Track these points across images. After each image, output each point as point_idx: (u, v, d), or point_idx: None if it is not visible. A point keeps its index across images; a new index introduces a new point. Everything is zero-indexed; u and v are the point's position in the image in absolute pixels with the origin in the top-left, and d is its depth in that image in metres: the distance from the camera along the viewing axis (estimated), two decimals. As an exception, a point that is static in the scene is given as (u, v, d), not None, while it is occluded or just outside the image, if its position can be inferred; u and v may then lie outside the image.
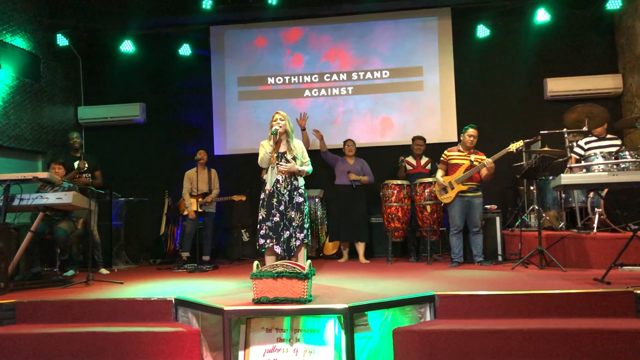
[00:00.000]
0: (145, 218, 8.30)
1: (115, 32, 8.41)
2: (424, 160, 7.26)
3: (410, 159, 7.28)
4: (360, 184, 6.97)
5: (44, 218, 5.31)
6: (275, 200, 4.69)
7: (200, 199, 6.90)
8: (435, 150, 7.19)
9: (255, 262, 3.61)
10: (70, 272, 5.69)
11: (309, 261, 3.70)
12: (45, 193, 5.19)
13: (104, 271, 6.42)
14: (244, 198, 7.21)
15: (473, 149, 6.08)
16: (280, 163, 4.71)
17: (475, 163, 5.92)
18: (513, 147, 5.81)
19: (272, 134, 4.71)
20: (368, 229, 7.14)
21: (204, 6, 7.86)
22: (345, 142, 7.24)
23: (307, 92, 8.45)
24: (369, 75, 8.37)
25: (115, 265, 7.14)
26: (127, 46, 8.38)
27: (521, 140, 5.87)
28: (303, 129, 7.40)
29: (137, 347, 3.65)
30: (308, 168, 4.88)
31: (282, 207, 4.67)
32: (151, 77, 8.74)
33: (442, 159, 6.20)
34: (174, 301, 3.97)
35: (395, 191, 6.61)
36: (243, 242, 7.88)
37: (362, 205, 7.05)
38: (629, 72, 7.58)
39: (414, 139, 7.34)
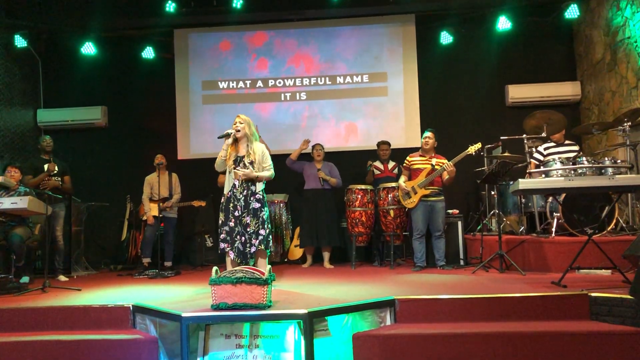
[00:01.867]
0: (106, 223, 8.16)
1: (76, 34, 8.22)
2: (392, 164, 7.27)
3: (377, 163, 7.29)
4: (329, 185, 6.92)
5: (-2, 224, 5.16)
6: (231, 205, 4.61)
7: (160, 204, 6.80)
8: (399, 155, 7.23)
9: (214, 268, 3.56)
10: (26, 279, 5.53)
11: (269, 266, 3.66)
12: (0, 198, 5.03)
13: (62, 278, 6.25)
14: (203, 204, 7.11)
15: (434, 154, 6.15)
16: (238, 168, 4.61)
17: (436, 167, 5.97)
18: (472, 149, 5.87)
19: (221, 136, 4.68)
20: (339, 234, 7.01)
21: (167, 9, 7.74)
22: (314, 147, 7.07)
23: (272, 97, 8.42)
24: (333, 80, 8.39)
25: (75, 271, 6.95)
26: (89, 48, 8.17)
27: (479, 143, 5.91)
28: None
29: (92, 355, 3.55)
30: (268, 173, 4.71)
31: (237, 213, 4.58)
32: (113, 80, 8.59)
33: (404, 164, 6.24)
34: (131, 308, 3.90)
35: (359, 196, 6.63)
36: (206, 248, 7.76)
37: (333, 209, 6.96)
38: (587, 80, 7.78)
39: (379, 144, 7.38)
